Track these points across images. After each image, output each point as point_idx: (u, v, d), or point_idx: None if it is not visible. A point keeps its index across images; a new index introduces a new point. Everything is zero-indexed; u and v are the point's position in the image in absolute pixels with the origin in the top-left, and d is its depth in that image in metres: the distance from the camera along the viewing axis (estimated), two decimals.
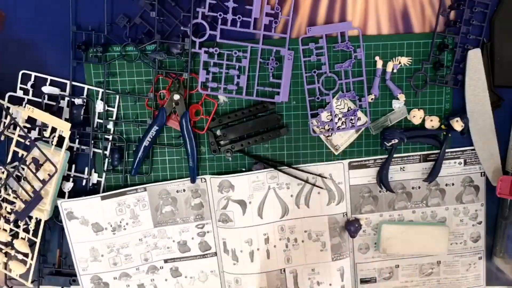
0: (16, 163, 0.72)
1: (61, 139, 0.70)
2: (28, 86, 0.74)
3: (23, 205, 0.70)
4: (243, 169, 0.77)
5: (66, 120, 0.73)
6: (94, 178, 0.77)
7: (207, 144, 0.76)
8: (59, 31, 0.72)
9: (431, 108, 0.75)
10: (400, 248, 0.79)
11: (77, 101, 0.74)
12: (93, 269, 0.79)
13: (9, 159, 0.73)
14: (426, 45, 0.73)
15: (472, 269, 0.81)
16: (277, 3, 0.69)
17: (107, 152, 0.76)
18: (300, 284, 0.80)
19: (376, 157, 0.77)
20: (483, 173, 0.77)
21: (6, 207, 0.75)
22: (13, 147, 0.72)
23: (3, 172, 0.72)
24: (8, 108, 0.73)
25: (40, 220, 0.74)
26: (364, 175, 0.77)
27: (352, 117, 0.74)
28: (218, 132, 0.75)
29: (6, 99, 0.74)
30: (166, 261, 0.80)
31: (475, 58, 0.71)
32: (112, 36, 0.72)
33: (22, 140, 0.72)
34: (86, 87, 0.74)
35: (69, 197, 0.77)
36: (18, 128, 0.70)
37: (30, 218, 0.75)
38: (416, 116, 0.74)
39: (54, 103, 0.74)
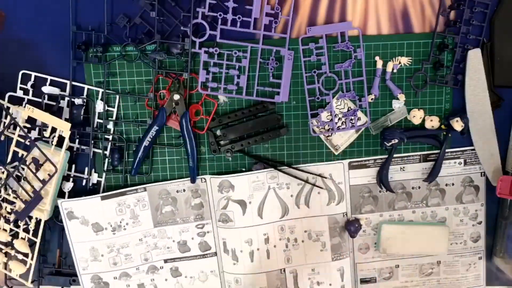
0: (16, 163, 0.72)
1: (61, 139, 0.70)
2: (28, 86, 0.74)
3: (23, 205, 0.70)
4: (243, 169, 0.77)
5: (66, 120, 0.73)
6: (94, 178, 0.77)
7: (207, 144, 0.76)
8: (59, 31, 0.72)
9: (431, 108, 0.75)
10: (400, 248, 0.79)
11: (77, 101, 0.74)
12: (93, 268, 0.79)
13: (9, 159, 0.73)
14: (426, 45, 0.73)
15: (472, 269, 0.81)
16: (277, 3, 0.69)
17: (107, 152, 0.76)
18: (300, 284, 0.80)
19: (376, 157, 0.77)
20: (483, 173, 0.77)
21: (6, 207, 0.75)
22: (13, 147, 0.72)
23: (3, 172, 0.72)
24: (8, 108, 0.73)
25: (40, 220, 0.74)
26: (364, 175, 0.77)
27: (352, 117, 0.74)
28: (218, 132, 0.75)
29: (6, 99, 0.74)
30: (166, 261, 0.80)
31: (475, 58, 0.71)
32: (112, 36, 0.72)
33: (22, 140, 0.72)
34: (86, 87, 0.74)
35: (69, 197, 0.77)
36: (18, 128, 0.70)
37: (30, 218, 0.75)
38: (416, 116, 0.74)
39: (54, 103, 0.74)
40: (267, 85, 0.73)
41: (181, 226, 0.78)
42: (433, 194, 0.78)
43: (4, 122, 0.73)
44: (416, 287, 0.82)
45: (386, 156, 0.76)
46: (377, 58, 0.73)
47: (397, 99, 0.74)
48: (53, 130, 0.70)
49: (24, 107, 0.72)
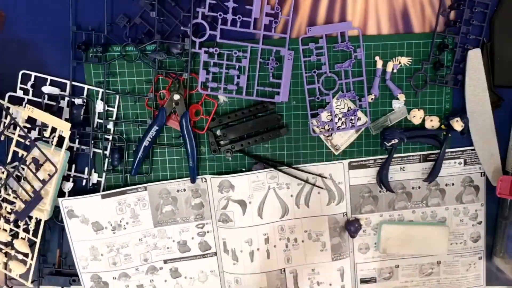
0: (16, 163, 0.72)
1: (61, 139, 0.70)
2: (28, 86, 0.74)
3: (23, 205, 0.70)
4: (243, 169, 0.77)
5: (66, 120, 0.73)
6: (94, 178, 0.77)
7: (207, 144, 0.76)
8: (59, 31, 0.72)
9: (431, 108, 0.75)
10: (400, 248, 0.79)
11: (77, 101, 0.74)
12: (93, 268, 0.79)
13: (9, 159, 0.73)
14: (426, 45, 0.73)
15: (472, 269, 0.81)
16: (277, 3, 0.69)
17: (107, 152, 0.76)
18: (300, 284, 0.80)
19: (376, 157, 0.77)
20: (483, 173, 0.77)
21: (6, 207, 0.75)
22: (13, 147, 0.72)
23: (3, 172, 0.72)
24: (8, 108, 0.73)
25: (40, 220, 0.74)
26: (364, 175, 0.77)
27: (352, 117, 0.74)
28: (218, 132, 0.75)
29: (6, 99, 0.74)
30: (165, 261, 0.80)
31: (475, 58, 0.71)
32: (112, 36, 0.72)
33: (22, 140, 0.72)
34: (86, 87, 0.74)
35: (69, 197, 0.77)
36: (18, 128, 0.70)
37: (30, 218, 0.75)
38: (416, 116, 0.74)
39: (54, 103, 0.74)
40: (267, 85, 0.73)
41: (181, 226, 0.78)
42: (433, 194, 0.78)
43: (4, 122, 0.73)
44: (416, 287, 0.82)
45: (386, 156, 0.76)
46: (377, 58, 0.73)
47: (397, 99, 0.74)
48: (53, 130, 0.70)
49: (24, 107, 0.72)
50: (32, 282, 0.78)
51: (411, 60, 0.73)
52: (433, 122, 0.75)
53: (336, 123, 0.74)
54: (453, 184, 0.78)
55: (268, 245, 0.78)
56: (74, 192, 0.77)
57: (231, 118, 0.74)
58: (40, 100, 0.73)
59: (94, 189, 0.77)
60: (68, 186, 0.76)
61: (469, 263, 0.81)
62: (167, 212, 0.77)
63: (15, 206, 0.74)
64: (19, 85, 0.74)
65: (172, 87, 0.73)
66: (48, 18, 0.72)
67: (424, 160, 0.77)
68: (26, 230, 0.76)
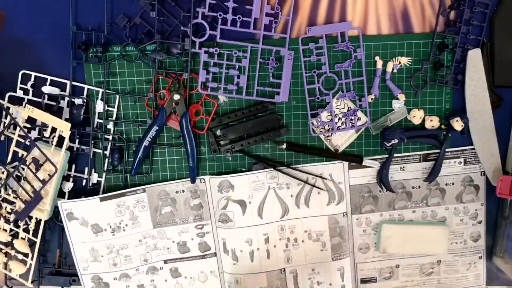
0: (16, 163, 0.72)
1: (61, 139, 0.70)
2: (28, 86, 0.73)
3: (23, 205, 0.70)
4: (243, 169, 0.77)
5: (66, 120, 0.73)
6: (94, 178, 0.77)
7: (207, 144, 0.76)
8: (59, 31, 0.72)
9: (431, 108, 0.75)
10: (400, 247, 0.79)
11: (77, 101, 0.74)
12: (94, 269, 0.79)
13: (9, 159, 0.73)
14: (426, 45, 0.73)
15: (473, 268, 0.81)
16: (277, 3, 0.69)
17: (107, 152, 0.76)
18: (300, 284, 0.80)
19: (376, 157, 0.77)
20: (483, 173, 0.77)
21: (6, 207, 0.75)
22: (13, 147, 0.72)
23: (3, 172, 0.72)
24: (8, 108, 0.73)
25: (40, 220, 0.74)
26: (364, 175, 0.77)
27: (352, 117, 0.74)
28: (218, 132, 0.75)
29: (6, 99, 0.74)
30: (165, 261, 0.80)
31: (475, 58, 0.71)
32: (112, 36, 0.72)
33: (22, 140, 0.72)
34: (86, 87, 0.74)
35: (69, 197, 0.77)
36: (18, 128, 0.70)
37: (30, 218, 0.75)
38: (416, 116, 0.74)
39: (54, 103, 0.74)
40: (267, 85, 0.73)
41: (181, 227, 0.78)
42: (433, 193, 0.78)
43: (4, 122, 0.73)
44: (417, 286, 0.82)
45: (386, 156, 0.76)
46: (377, 58, 0.73)
47: (397, 99, 0.74)
48: (53, 130, 0.70)
49: (24, 107, 0.72)
50: (32, 282, 0.78)
51: (411, 60, 0.73)
52: (433, 122, 0.75)
53: (336, 123, 0.74)
54: (453, 184, 0.78)
55: (268, 245, 0.78)
56: (74, 192, 0.77)
57: (231, 118, 0.74)
58: (40, 100, 0.73)
59: (94, 189, 0.77)
60: (68, 186, 0.76)
61: (469, 262, 0.81)
62: (166, 213, 0.77)
63: (15, 206, 0.74)
64: (19, 85, 0.74)
65: (172, 87, 0.73)
66: (48, 18, 0.72)
67: (424, 160, 0.77)
68: (26, 230, 0.76)
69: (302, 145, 0.76)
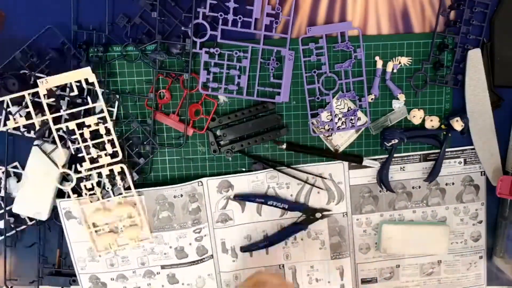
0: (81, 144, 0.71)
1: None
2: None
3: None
4: (243, 169, 0.77)
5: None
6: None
7: (207, 144, 0.76)
8: (59, 31, 0.71)
9: (431, 108, 0.75)
10: (400, 248, 0.79)
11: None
12: (91, 268, 0.79)
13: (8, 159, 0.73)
14: (426, 45, 0.73)
15: (473, 268, 0.81)
16: (277, 4, 0.69)
17: None
18: (299, 280, 0.80)
19: (376, 157, 0.77)
20: (483, 172, 0.77)
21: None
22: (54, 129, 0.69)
23: (3, 172, 0.72)
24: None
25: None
26: (364, 175, 0.77)
27: (352, 117, 0.74)
28: (218, 132, 0.75)
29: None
30: (163, 267, 0.79)
31: (475, 58, 0.71)
32: (113, 36, 0.72)
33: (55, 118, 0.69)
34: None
35: (68, 197, 0.77)
36: (46, 108, 0.67)
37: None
38: (416, 116, 0.74)
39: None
40: (268, 85, 0.73)
41: (179, 232, 0.77)
42: (433, 193, 0.78)
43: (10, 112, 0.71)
44: (417, 286, 0.82)
45: (386, 156, 0.76)
46: (377, 58, 0.73)
47: (397, 99, 0.74)
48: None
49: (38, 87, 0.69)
50: (32, 282, 0.78)
51: (411, 60, 0.73)
52: (433, 122, 0.75)
53: (336, 123, 0.74)
54: (453, 184, 0.78)
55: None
56: (74, 192, 0.77)
57: (231, 118, 0.74)
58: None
59: None
60: (68, 186, 0.76)
61: (469, 262, 0.81)
62: (163, 218, 0.77)
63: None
64: None
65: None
66: (48, 18, 0.72)
67: (424, 160, 0.77)
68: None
69: (302, 145, 0.76)
